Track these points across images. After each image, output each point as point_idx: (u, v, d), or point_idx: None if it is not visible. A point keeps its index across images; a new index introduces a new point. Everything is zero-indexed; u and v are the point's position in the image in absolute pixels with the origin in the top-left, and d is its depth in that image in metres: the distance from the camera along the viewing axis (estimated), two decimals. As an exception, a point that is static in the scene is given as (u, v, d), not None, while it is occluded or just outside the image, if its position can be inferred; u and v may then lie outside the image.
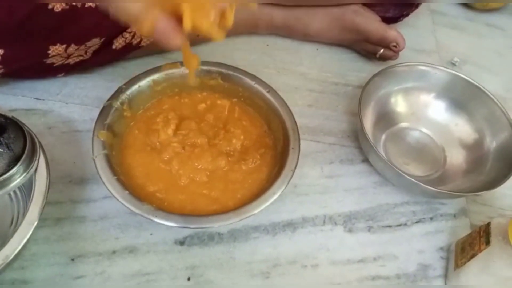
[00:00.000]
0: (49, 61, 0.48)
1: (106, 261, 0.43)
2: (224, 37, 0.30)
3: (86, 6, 0.43)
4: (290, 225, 0.48)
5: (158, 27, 0.28)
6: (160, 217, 0.40)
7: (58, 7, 0.42)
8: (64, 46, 0.46)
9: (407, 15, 0.65)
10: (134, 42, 0.52)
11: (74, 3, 0.43)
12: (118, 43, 0.51)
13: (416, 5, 0.63)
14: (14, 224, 0.42)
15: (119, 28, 0.49)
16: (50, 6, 0.41)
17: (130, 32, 0.51)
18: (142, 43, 0.53)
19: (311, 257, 0.46)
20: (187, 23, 0.28)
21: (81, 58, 0.50)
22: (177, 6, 0.28)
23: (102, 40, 0.49)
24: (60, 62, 0.50)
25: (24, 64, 0.48)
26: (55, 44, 0.45)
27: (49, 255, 0.43)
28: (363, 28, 0.61)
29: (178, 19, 0.28)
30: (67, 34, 0.45)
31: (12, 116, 0.41)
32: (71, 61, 0.50)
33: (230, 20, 0.30)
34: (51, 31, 0.44)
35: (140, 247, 0.44)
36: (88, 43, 0.48)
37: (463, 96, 0.56)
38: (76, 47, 0.47)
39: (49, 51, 0.46)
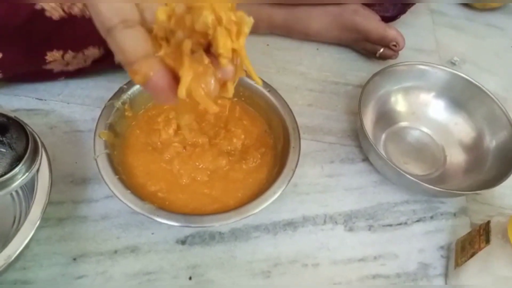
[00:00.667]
0: (48, 67, 0.49)
1: (107, 261, 0.43)
2: (217, 109, 0.27)
3: (85, 15, 0.43)
4: (290, 225, 0.48)
5: (152, 80, 0.25)
6: (161, 216, 0.40)
7: (56, 15, 0.42)
8: (61, 52, 0.46)
9: (404, 12, 0.65)
10: None
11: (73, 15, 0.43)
12: None
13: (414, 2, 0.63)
14: (16, 224, 0.42)
15: None
16: (48, 14, 0.41)
17: None
18: None
19: (312, 256, 0.47)
20: (182, 91, 0.25)
21: (80, 65, 0.51)
22: (177, 65, 0.25)
23: (101, 50, 0.49)
24: (60, 69, 0.50)
25: (22, 69, 0.48)
26: (51, 50, 0.46)
27: (51, 255, 0.43)
28: (363, 27, 0.61)
29: (175, 76, 0.26)
30: (64, 40, 0.45)
31: (15, 116, 0.41)
32: (70, 68, 0.51)
33: (230, 92, 0.27)
34: (48, 36, 0.44)
35: (142, 247, 0.44)
36: (86, 51, 0.48)
37: (463, 96, 0.57)
38: (73, 54, 0.47)
39: (46, 57, 0.46)
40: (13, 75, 0.49)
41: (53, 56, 0.46)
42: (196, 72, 0.25)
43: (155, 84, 0.25)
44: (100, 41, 0.46)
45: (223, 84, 0.27)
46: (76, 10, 0.42)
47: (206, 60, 0.25)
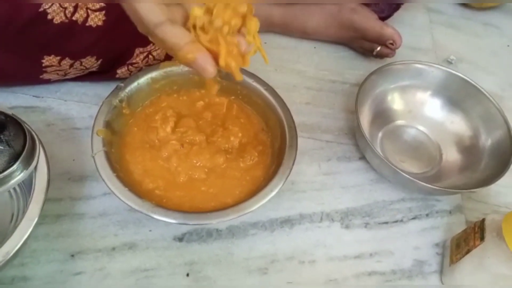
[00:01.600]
0: (45, 76, 0.49)
1: (105, 258, 0.43)
2: (242, 78, 0.36)
3: (87, 24, 0.43)
4: (287, 222, 0.49)
5: (199, 58, 0.32)
6: (159, 214, 0.40)
7: (57, 19, 0.42)
8: (58, 58, 0.46)
9: (398, 9, 0.66)
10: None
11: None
12: (121, 73, 0.51)
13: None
14: (14, 221, 0.42)
15: (115, 52, 0.49)
16: (49, 17, 0.41)
17: (136, 67, 0.51)
18: None
19: (309, 253, 0.47)
20: (222, 62, 0.33)
21: (78, 74, 0.51)
22: (215, 46, 0.33)
23: (99, 62, 0.48)
24: (57, 79, 0.50)
25: (17, 76, 0.49)
26: (49, 55, 0.45)
27: (49, 252, 0.43)
28: (360, 25, 0.61)
29: (212, 54, 0.33)
30: (63, 46, 0.45)
31: (12, 114, 0.41)
32: (68, 77, 0.51)
33: (247, 62, 0.36)
34: (48, 40, 0.43)
35: (139, 244, 0.45)
36: (84, 61, 0.47)
37: (459, 94, 0.57)
38: (71, 62, 0.46)
39: (43, 60, 0.46)
40: (7, 83, 0.49)
41: (50, 61, 0.46)
42: (229, 49, 0.34)
43: (203, 60, 0.32)
44: (99, 53, 0.47)
45: (242, 57, 0.35)
46: (77, 16, 0.42)
47: (235, 40, 0.34)
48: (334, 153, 0.55)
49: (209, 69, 0.33)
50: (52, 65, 0.47)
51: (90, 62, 0.48)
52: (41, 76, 0.49)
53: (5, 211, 0.43)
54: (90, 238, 0.44)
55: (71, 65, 0.47)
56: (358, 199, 0.52)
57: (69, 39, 0.44)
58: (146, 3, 0.31)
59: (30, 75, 0.49)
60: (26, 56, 0.45)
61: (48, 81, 0.51)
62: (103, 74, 0.52)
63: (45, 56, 0.45)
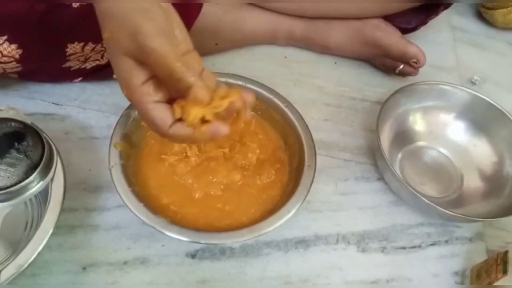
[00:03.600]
0: (66, 64, 0.49)
1: (117, 272, 0.43)
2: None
3: None
4: (302, 242, 0.48)
5: (209, 129, 0.35)
6: (173, 231, 0.39)
7: (76, 3, 0.42)
8: (81, 44, 0.46)
9: (425, 23, 0.64)
10: None
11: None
12: None
13: (436, 12, 0.62)
14: (28, 230, 0.42)
15: None
16: (68, 2, 0.41)
17: None
18: None
19: (323, 276, 0.46)
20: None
21: (97, 62, 0.51)
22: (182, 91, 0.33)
23: None
24: (77, 66, 0.50)
25: (42, 64, 0.48)
26: (73, 42, 0.45)
27: (62, 263, 0.43)
28: (383, 42, 0.60)
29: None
30: (84, 31, 0.45)
31: (32, 123, 0.41)
32: (87, 65, 0.50)
33: (243, 118, 0.37)
34: (69, 27, 0.44)
35: (152, 259, 0.44)
36: None
37: (483, 117, 0.55)
38: (93, 46, 0.47)
39: (67, 49, 0.46)
40: (32, 72, 0.49)
41: (74, 49, 0.46)
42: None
43: (213, 127, 0.35)
44: None
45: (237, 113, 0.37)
46: None
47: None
48: (351, 172, 0.54)
49: (222, 129, 0.34)
50: (75, 53, 0.47)
51: None
52: (63, 65, 0.49)
53: (19, 220, 0.43)
54: (103, 251, 0.44)
55: (93, 49, 0.47)
56: (375, 221, 0.51)
57: (90, 22, 0.44)
58: (157, 109, 0.34)
59: (53, 65, 0.49)
60: (50, 46, 0.45)
61: (68, 72, 0.50)
62: None
63: (68, 44, 0.45)
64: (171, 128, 0.34)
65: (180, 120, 0.34)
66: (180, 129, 0.34)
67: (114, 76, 0.35)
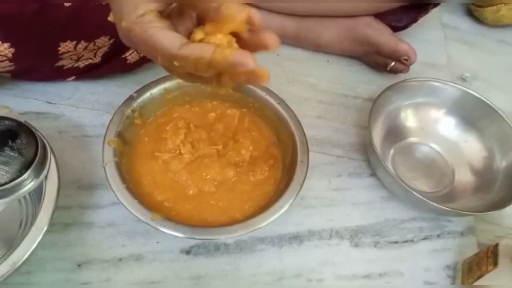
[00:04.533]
0: (59, 63, 0.49)
1: (112, 268, 0.43)
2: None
3: (97, 2, 0.43)
4: (296, 238, 0.48)
5: (235, 53, 0.30)
6: (167, 227, 0.40)
7: (67, 2, 0.42)
8: (74, 42, 0.46)
9: (416, 21, 0.65)
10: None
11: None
12: (131, 57, 0.52)
13: (426, 10, 0.62)
14: (23, 228, 0.42)
15: None
16: (59, 1, 0.41)
17: None
18: None
19: (317, 271, 0.46)
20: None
21: (90, 61, 0.51)
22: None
23: (111, 41, 0.48)
24: (70, 65, 0.50)
25: (34, 62, 0.48)
26: (65, 41, 0.45)
27: (56, 261, 0.43)
28: (374, 40, 0.61)
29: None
30: (77, 30, 0.45)
31: (25, 121, 0.41)
32: (80, 64, 0.50)
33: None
34: (61, 26, 0.44)
35: (146, 255, 0.44)
36: (97, 41, 0.47)
37: (474, 113, 0.56)
38: (85, 44, 0.47)
39: (60, 48, 0.46)
40: (25, 71, 0.49)
41: (66, 47, 0.46)
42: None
43: (241, 53, 0.31)
44: (111, 32, 0.47)
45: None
46: None
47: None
48: (344, 168, 0.55)
49: (250, 60, 0.30)
50: (68, 51, 0.47)
51: (103, 41, 0.48)
52: (56, 64, 0.49)
53: (13, 218, 0.43)
54: (97, 248, 0.44)
55: (86, 48, 0.47)
56: (368, 216, 0.51)
57: (82, 21, 0.44)
58: (163, 32, 0.31)
59: (46, 64, 0.49)
60: (43, 44, 0.45)
61: (61, 71, 0.50)
62: (114, 59, 0.51)
63: (61, 43, 0.45)
64: (184, 47, 0.30)
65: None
66: (196, 48, 0.31)
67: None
